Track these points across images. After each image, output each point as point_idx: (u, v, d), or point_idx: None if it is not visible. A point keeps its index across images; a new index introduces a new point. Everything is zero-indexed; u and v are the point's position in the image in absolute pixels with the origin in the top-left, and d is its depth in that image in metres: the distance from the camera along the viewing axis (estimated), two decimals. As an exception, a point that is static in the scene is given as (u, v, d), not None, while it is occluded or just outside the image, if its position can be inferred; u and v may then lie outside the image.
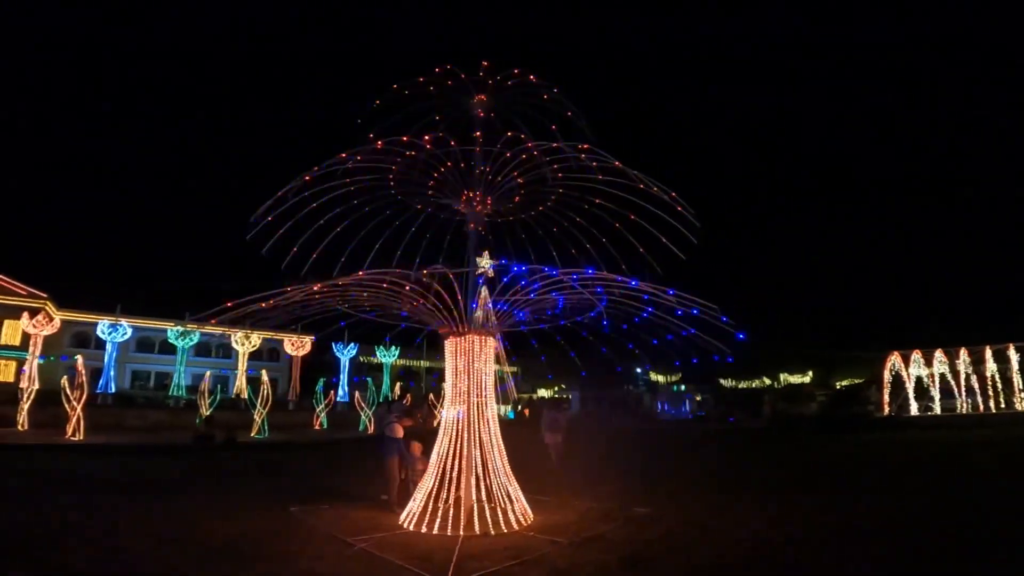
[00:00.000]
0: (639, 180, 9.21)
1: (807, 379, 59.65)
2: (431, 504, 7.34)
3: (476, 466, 7.78)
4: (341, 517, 7.74)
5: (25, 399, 16.23)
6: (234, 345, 39.26)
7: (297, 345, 40.57)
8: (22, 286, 40.49)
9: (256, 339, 39.41)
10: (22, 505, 8.26)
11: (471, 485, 7.71)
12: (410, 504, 7.63)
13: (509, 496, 7.67)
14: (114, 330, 36.37)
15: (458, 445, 7.86)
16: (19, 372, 32.66)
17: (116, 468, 11.37)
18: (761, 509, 8.11)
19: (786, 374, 63.20)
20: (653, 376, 60.20)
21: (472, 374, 8.29)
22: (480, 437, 7.97)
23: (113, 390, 35.76)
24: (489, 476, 7.81)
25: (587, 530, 6.92)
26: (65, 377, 16.35)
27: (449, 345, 8.43)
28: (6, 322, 38.14)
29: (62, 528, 6.90)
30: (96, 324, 38.24)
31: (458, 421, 8.01)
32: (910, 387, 30.40)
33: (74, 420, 15.07)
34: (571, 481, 11.17)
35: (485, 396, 8.38)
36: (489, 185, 9.49)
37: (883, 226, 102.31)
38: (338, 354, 42.48)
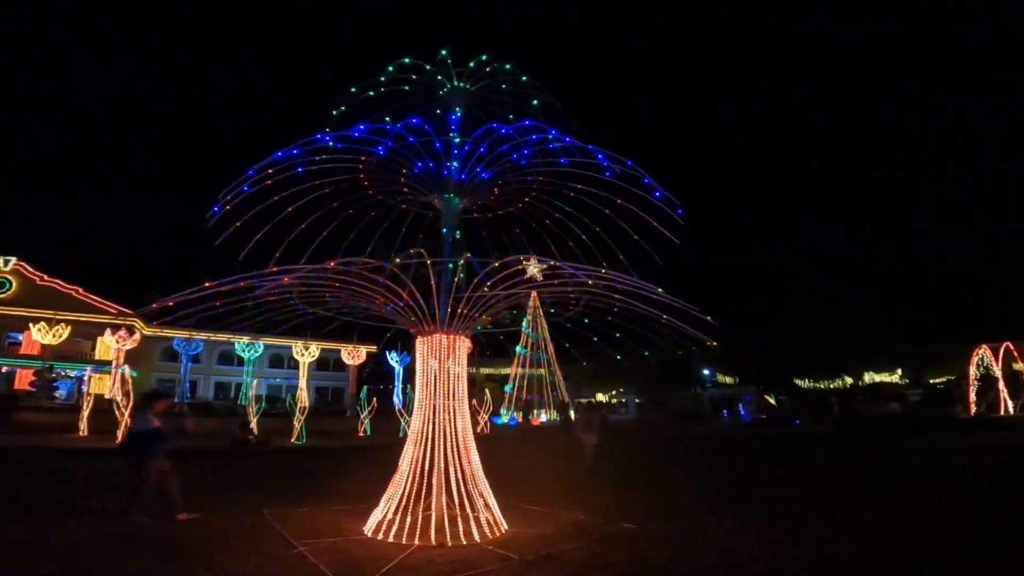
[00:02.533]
0: (617, 163, 8.60)
1: (895, 377, 54.41)
2: (399, 512, 7.01)
3: (448, 474, 7.41)
4: (309, 519, 7.59)
5: (86, 407, 17.66)
6: (296, 356, 41.22)
7: (353, 355, 41.95)
8: (113, 305, 44.67)
9: (315, 349, 41.18)
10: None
11: (441, 493, 7.36)
12: (376, 511, 7.35)
13: (474, 506, 7.22)
14: (189, 344, 39.20)
15: (429, 452, 7.52)
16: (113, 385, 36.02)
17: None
18: (767, 528, 7.09)
19: (872, 372, 58.05)
20: (720, 378, 57.27)
21: (443, 376, 7.94)
22: (451, 443, 7.58)
23: (189, 399, 38.50)
24: (462, 484, 7.41)
25: (550, 547, 6.32)
26: (117, 386, 17.64)
27: (419, 344, 8.12)
28: (98, 339, 42.19)
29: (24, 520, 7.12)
30: (175, 339, 41.41)
31: (430, 426, 7.65)
32: (1001, 383, 26.66)
33: (123, 426, 16.19)
34: (577, 488, 10.55)
35: (457, 400, 8.00)
36: (465, 176, 9.15)
37: (979, 205, 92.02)
38: (392, 362, 43.50)
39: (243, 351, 40.10)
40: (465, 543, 6.51)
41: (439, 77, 9.44)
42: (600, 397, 57.63)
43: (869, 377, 56.72)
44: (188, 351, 39.70)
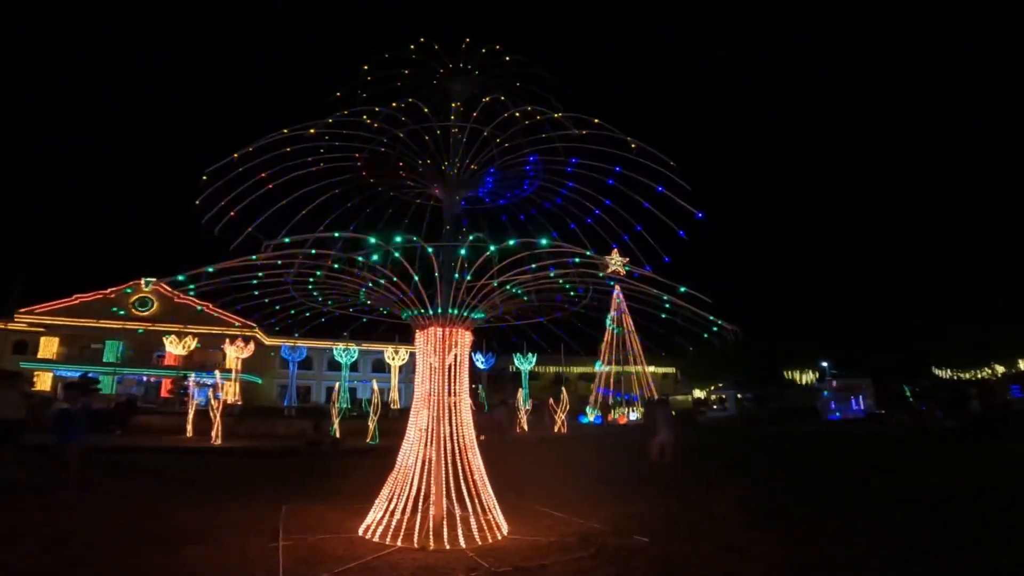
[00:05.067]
0: (632, 143, 7.85)
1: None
2: (387, 513, 6.83)
3: (447, 474, 7.10)
4: (317, 516, 7.64)
5: (191, 411, 19.73)
6: (387, 360, 43.36)
7: (439, 356, 43.21)
8: (236, 317, 49.95)
9: (404, 353, 43.02)
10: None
11: (441, 494, 7.07)
12: (371, 511, 7.21)
13: (473, 507, 6.83)
14: (294, 351, 42.75)
15: (429, 450, 7.25)
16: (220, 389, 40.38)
17: (203, 466, 13.03)
18: (788, 551, 5.93)
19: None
20: (831, 371, 51.38)
21: (444, 370, 7.64)
22: (450, 442, 7.26)
23: (296, 403, 41.95)
24: (461, 484, 7.07)
25: (535, 558, 5.77)
26: (210, 392, 19.53)
27: (419, 337, 7.87)
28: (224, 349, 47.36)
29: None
30: (282, 347, 45.37)
31: (428, 424, 7.38)
32: None
33: (216, 427, 17.85)
34: (613, 491, 9.78)
35: (459, 396, 7.67)
36: (467, 162, 8.78)
37: None
38: (477, 363, 44.20)
39: (340, 356, 42.91)
40: (449, 547, 6.16)
41: (440, 72, 9.20)
42: (698, 393, 54.34)
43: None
44: (294, 358, 43.30)
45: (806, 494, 9.54)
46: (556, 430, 26.98)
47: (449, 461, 7.12)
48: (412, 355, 45.67)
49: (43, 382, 41.86)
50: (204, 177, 7.28)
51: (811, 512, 7.95)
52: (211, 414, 18.26)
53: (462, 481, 7.05)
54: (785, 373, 59.86)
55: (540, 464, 14.41)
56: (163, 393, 42.43)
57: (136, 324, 44.79)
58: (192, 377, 22.15)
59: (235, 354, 39.23)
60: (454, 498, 6.91)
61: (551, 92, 9.33)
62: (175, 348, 39.37)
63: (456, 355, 7.77)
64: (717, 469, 13.25)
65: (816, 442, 20.70)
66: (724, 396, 47.84)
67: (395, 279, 6.99)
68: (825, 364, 61.39)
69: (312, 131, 7.95)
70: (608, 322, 42.74)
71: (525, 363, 44.20)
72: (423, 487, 6.96)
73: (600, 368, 42.29)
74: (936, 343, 50.88)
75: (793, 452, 17.42)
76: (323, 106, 8.48)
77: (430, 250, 6.80)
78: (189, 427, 19.42)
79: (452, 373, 7.67)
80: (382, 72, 8.93)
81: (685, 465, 13.09)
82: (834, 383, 37.00)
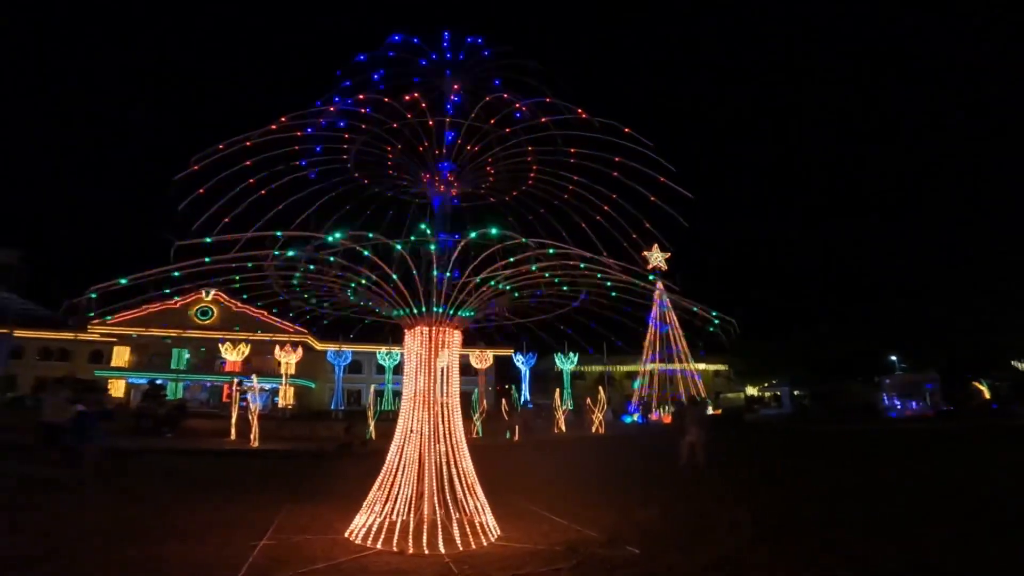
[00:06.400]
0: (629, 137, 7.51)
1: None
2: (371, 514, 6.73)
3: (435, 475, 6.94)
4: (311, 517, 7.64)
5: (233, 415, 20.56)
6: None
7: (480, 359, 43.42)
8: (290, 324, 52.07)
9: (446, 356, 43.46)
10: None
11: (432, 496, 6.91)
12: (358, 514, 7.13)
13: (463, 510, 6.65)
14: (339, 356, 44.06)
15: (417, 452, 7.12)
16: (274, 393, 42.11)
17: (229, 468, 13.45)
18: (785, 568, 5.33)
19: None
20: (899, 365, 47.97)
21: (433, 370, 7.50)
22: (438, 444, 7.10)
23: (343, 406, 43.19)
24: (453, 486, 6.91)
25: (508, 568, 5.48)
26: (248, 395, 20.26)
27: (409, 337, 7.75)
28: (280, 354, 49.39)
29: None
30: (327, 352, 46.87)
31: (419, 427, 7.24)
32: None
33: (253, 430, 18.50)
34: (624, 496, 9.35)
35: (450, 397, 7.50)
36: (459, 159, 8.61)
37: None
38: (519, 364, 44.12)
39: (383, 360, 43.87)
40: (428, 552, 5.98)
41: (424, 64, 9.06)
42: (751, 391, 51.99)
43: None
44: (340, 362, 44.63)
45: (835, 503, 8.75)
46: (593, 430, 26.42)
47: (438, 463, 6.97)
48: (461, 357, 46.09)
49: (116, 389, 45.04)
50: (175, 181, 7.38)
51: (831, 524, 7.25)
52: (249, 418, 18.94)
53: (456, 483, 6.90)
54: (848, 367, 56.52)
55: (563, 466, 14.07)
56: (224, 398, 44.74)
57: (198, 333, 47.43)
58: (235, 382, 23.02)
59: (284, 359, 40.87)
60: (448, 501, 6.74)
61: (543, 83, 9.01)
62: (230, 355, 41.37)
63: (447, 355, 7.63)
64: (750, 473, 12.46)
65: (869, 443, 19.24)
66: (779, 393, 45.49)
67: (375, 277, 6.88)
68: (894, 358, 57.58)
69: (299, 133, 7.97)
70: (650, 319, 41.64)
71: (566, 363, 43.70)
72: (411, 489, 6.83)
73: (643, 366, 41.27)
74: (1019, 335, 46.48)
75: (840, 454, 16.21)
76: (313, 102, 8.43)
77: (398, 246, 6.63)
78: (232, 430, 20.24)
79: (443, 373, 7.54)
80: (365, 73, 8.86)
81: (718, 468, 12.38)
82: (894, 378, 34.41)
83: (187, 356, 47.63)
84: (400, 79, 8.55)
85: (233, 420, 20.56)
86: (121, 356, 48.89)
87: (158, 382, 39.07)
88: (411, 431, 7.23)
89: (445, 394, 7.51)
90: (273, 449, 17.47)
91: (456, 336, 7.77)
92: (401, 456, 7.13)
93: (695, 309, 6.73)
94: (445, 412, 7.38)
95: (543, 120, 7.77)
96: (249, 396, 19.80)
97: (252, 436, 18.45)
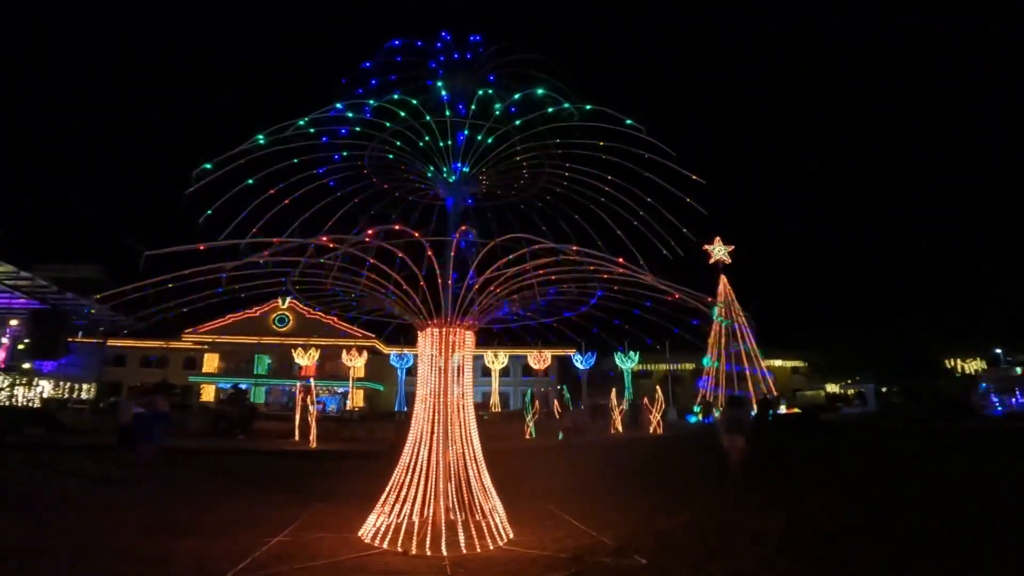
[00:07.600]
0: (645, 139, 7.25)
1: None
2: (381, 514, 6.80)
3: (451, 478, 6.92)
4: (334, 516, 7.85)
5: (296, 417, 21.66)
6: (486, 364, 44.35)
7: (538, 359, 43.30)
8: (358, 329, 54.37)
9: (503, 357, 43.73)
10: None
11: (440, 497, 6.90)
12: (371, 515, 7.22)
13: (474, 511, 6.60)
14: (401, 358, 45.41)
15: (430, 453, 7.13)
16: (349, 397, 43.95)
17: (280, 467, 14.14)
18: None
19: None
20: (1005, 358, 42.70)
21: (446, 371, 7.49)
22: (449, 445, 7.07)
23: (407, 408, 44.42)
24: (464, 487, 6.87)
25: (507, 574, 5.38)
26: (308, 398, 21.26)
27: (422, 338, 7.78)
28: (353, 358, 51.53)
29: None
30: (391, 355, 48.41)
31: (429, 427, 7.25)
32: None
33: (312, 432, 19.40)
34: (660, 499, 8.94)
35: (464, 398, 7.46)
36: (475, 158, 8.55)
37: None
38: (576, 364, 43.52)
39: (443, 362, 44.73)
40: (430, 553, 5.94)
41: (434, 61, 9.10)
42: (831, 388, 48.34)
43: None
44: (402, 365, 45.98)
45: (882, 513, 7.85)
46: (651, 430, 25.53)
47: (451, 465, 6.93)
48: (511, 358, 46.19)
49: (207, 394, 48.86)
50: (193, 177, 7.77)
51: (867, 537, 6.53)
52: (308, 420, 19.89)
53: (473, 485, 6.86)
54: (946, 361, 51.21)
55: (604, 467, 13.66)
56: (298, 401, 47.37)
57: (277, 339, 50.59)
58: (299, 386, 24.32)
59: (351, 363, 42.67)
60: (460, 503, 6.70)
61: (559, 79, 8.81)
62: (302, 360, 43.73)
63: (461, 355, 7.59)
64: (799, 479, 11.49)
65: (956, 444, 17.25)
66: (863, 390, 41.98)
67: (376, 278, 6.96)
68: (999, 351, 51.50)
69: (312, 130, 8.21)
70: (714, 314, 39.86)
71: (627, 361, 42.58)
72: (424, 490, 6.84)
73: (707, 364, 39.48)
74: None
75: (916, 458, 14.62)
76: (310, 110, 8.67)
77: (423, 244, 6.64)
78: (296, 432, 21.32)
79: (456, 374, 7.50)
80: (382, 73, 9.01)
81: (768, 473, 11.53)
82: (994, 371, 30.66)
83: (268, 362, 50.89)
84: (404, 84, 8.66)
85: (296, 422, 21.64)
86: (211, 363, 52.98)
87: (242, 387, 41.98)
88: (422, 432, 7.26)
89: (459, 395, 7.47)
90: (327, 450, 18.23)
91: (469, 337, 7.71)
92: (412, 457, 7.16)
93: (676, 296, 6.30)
94: (459, 413, 7.33)
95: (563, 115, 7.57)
96: (309, 399, 20.78)
97: (311, 437, 19.33)
